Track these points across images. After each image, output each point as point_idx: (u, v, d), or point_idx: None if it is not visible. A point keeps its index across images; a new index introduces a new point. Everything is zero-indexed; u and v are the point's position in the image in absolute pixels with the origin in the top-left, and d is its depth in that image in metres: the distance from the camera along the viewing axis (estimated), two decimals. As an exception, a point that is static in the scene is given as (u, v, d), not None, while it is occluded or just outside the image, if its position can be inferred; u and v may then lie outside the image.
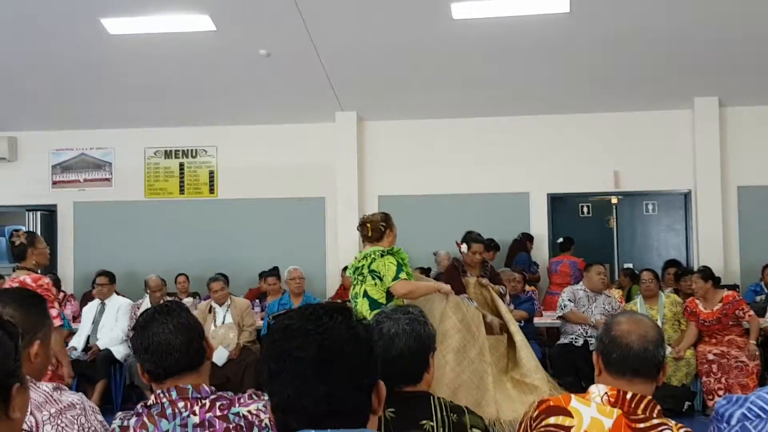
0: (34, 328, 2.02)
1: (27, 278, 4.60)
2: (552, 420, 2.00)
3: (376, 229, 4.94)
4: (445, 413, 2.12)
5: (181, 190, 10.00)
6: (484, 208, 9.27)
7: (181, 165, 10.01)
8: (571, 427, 1.97)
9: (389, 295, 4.78)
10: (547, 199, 9.53)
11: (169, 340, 2.05)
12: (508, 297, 6.82)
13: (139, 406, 2.05)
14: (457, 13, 7.01)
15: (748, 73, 8.24)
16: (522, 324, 7.27)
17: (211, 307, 7.18)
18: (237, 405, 2.04)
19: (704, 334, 6.71)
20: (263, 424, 2.01)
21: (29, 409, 1.72)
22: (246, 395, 2.08)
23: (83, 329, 7.33)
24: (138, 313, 5.96)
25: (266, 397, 1.74)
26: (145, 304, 7.42)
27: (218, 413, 2.01)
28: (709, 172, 8.94)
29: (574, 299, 6.92)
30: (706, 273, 6.77)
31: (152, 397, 2.06)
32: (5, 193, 10.12)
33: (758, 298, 7.93)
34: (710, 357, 6.52)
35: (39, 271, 4.82)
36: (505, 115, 9.34)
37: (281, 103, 9.11)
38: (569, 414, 1.99)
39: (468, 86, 8.56)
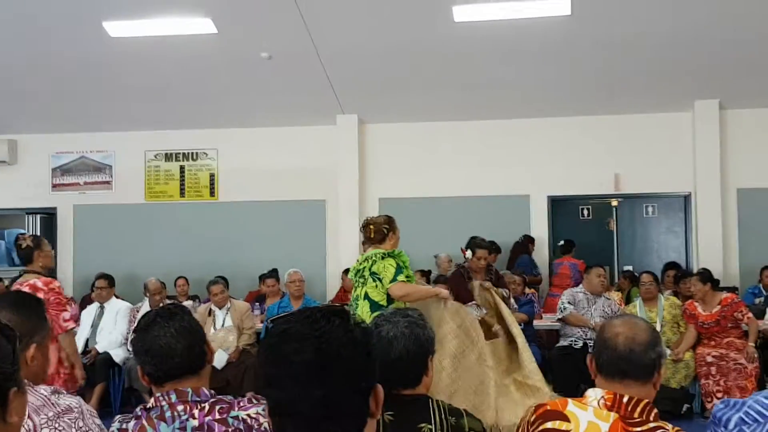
0: (30, 332, 2.02)
1: (38, 281, 4.62)
2: (549, 425, 1.99)
3: (378, 231, 4.95)
4: (443, 416, 2.12)
5: (182, 193, 10.01)
6: (484, 211, 9.27)
7: (182, 168, 10.01)
8: (569, 431, 1.97)
9: (390, 298, 4.79)
10: (548, 202, 9.53)
11: (170, 343, 2.05)
12: (512, 300, 6.84)
13: (138, 409, 2.06)
14: (459, 15, 7.02)
15: (748, 76, 8.25)
16: (522, 326, 7.28)
17: (210, 310, 7.18)
18: (236, 408, 2.03)
19: (703, 337, 6.70)
20: (262, 428, 2.01)
21: (27, 413, 1.72)
22: (245, 399, 2.07)
23: (82, 332, 7.30)
24: (137, 317, 5.96)
25: (265, 401, 1.74)
26: (145, 307, 7.42)
27: (217, 417, 2.01)
28: (709, 174, 8.94)
29: (573, 302, 6.92)
30: (705, 275, 6.76)
31: (152, 400, 2.06)
32: (5, 196, 10.12)
33: (757, 301, 7.93)
34: (709, 359, 6.51)
35: (46, 274, 4.85)
36: (506, 117, 9.34)
37: (282, 105, 9.12)
38: (566, 418, 1.99)
39: (469, 89, 8.57)
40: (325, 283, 9.50)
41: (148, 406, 2.05)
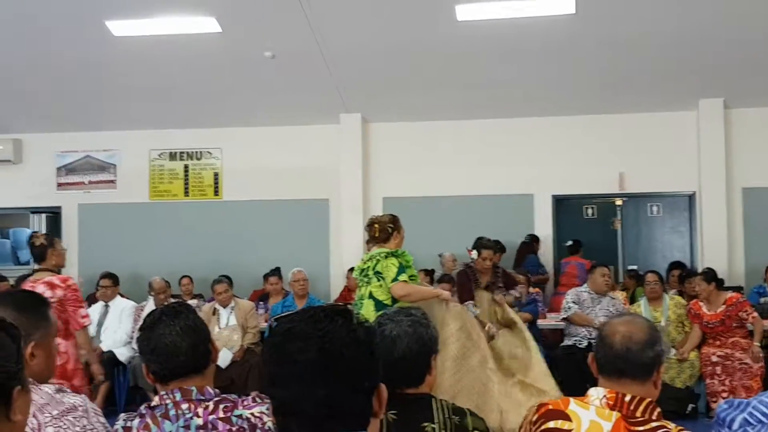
0: (28, 330, 2.02)
1: (54, 278, 4.69)
2: (551, 424, 1.99)
3: (383, 230, 4.96)
4: (446, 415, 2.12)
5: (186, 192, 10.02)
6: (488, 210, 9.26)
7: (186, 167, 10.03)
8: (570, 430, 1.96)
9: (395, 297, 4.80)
10: (552, 201, 9.51)
11: (175, 342, 2.05)
12: (523, 297, 6.87)
13: (142, 408, 2.06)
14: (462, 14, 7.01)
15: (753, 75, 8.22)
16: (526, 325, 7.29)
17: (215, 309, 7.18)
18: (240, 407, 2.04)
19: (708, 336, 6.69)
20: (266, 427, 2.01)
21: (31, 411, 1.73)
22: (250, 398, 2.08)
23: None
24: (142, 316, 5.97)
25: (269, 400, 1.74)
26: (149, 306, 7.43)
27: (221, 415, 2.01)
28: (714, 173, 8.92)
29: (578, 301, 6.91)
30: (710, 275, 6.75)
31: (156, 398, 2.06)
32: (10, 195, 10.14)
33: (762, 300, 7.90)
34: (714, 359, 6.50)
35: (58, 272, 4.91)
36: (510, 116, 9.33)
37: (286, 104, 9.12)
38: (568, 417, 1.98)
39: (473, 88, 8.56)
40: (328, 282, 9.50)
41: (152, 405, 2.05)
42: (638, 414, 1.94)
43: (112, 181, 10.12)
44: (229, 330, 7.05)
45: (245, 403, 2.05)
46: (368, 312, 4.69)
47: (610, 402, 1.96)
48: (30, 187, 10.04)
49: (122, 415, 2.07)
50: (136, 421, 2.02)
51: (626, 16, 7.08)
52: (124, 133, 9.94)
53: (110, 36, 7.42)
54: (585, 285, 7.14)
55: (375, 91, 8.83)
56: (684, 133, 9.13)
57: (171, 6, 7.03)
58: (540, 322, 7.52)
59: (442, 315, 4.81)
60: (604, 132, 9.29)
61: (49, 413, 1.88)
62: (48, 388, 1.94)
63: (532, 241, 9.17)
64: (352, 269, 7.27)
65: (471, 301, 5.59)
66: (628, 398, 1.96)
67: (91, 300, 8.27)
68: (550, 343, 7.60)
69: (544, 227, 9.43)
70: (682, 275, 7.89)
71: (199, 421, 2.00)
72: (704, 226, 9.01)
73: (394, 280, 4.73)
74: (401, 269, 4.77)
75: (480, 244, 6.05)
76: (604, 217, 10.26)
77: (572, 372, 6.43)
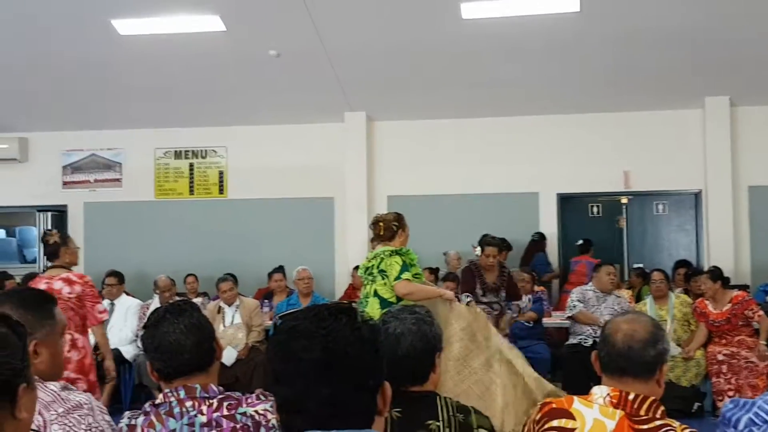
0: (32, 328, 2.02)
1: (71, 275, 4.77)
2: (555, 423, 1.98)
3: (388, 228, 4.96)
4: (451, 413, 2.12)
5: (191, 191, 10.03)
6: (493, 208, 9.25)
7: (191, 165, 10.04)
8: (574, 429, 1.95)
9: (400, 295, 4.80)
10: (557, 199, 9.50)
11: (179, 339, 2.05)
12: (526, 307, 6.82)
13: (147, 405, 2.07)
14: (467, 12, 7.00)
15: (759, 73, 8.19)
16: (531, 324, 7.29)
17: (220, 307, 7.19)
18: (244, 405, 2.04)
19: (714, 335, 6.67)
20: (270, 425, 2.01)
21: (37, 409, 1.73)
22: (254, 395, 2.08)
23: (93, 329, 7.36)
24: (147, 314, 5.98)
25: (274, 398, 1.75)
26: (154, 304, 7.44)
27: (225, 413, 2.01)
28: (720, 171, 8.89)
29: (583, 300, 6.89)
30: (715, 273, 6.73)
31: (160, 396, 2.07)
32: (16, 193, 10.17)
33: (768, 299, 7.88)
34: (720, 357, 6.48)
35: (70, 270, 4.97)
36: (515, 114, 9.32)
37: (291, 103, 9.12)
38: (571, 416, 1.97)
39: (478, 86, 8.55)
40: (333, 280, 9.51)
41: (156, 402, 2.06)
42: (642, 412, 1.93)
43: (117, 180, 10.14)
44: (233, 328, 7.06)
45: (249, 400, 2.06)
46: (373, 310, 4.68)
47: (613, 400, 1.96)
48: (36, 185, 10.07)
49: (127, 413, 2.07)
50: (141, 419, 2.02)
51: (631, 14, 7.06)
52: (129, 132, 9.96)
53: (116, 35, 7.43)
54: (590, 283, 7.13)
55: (380, 90, 8.82)
56: (690, 131, 9.10)
57: (176, 5, 7.04)
58: (545, 320, 7.52)
59: (445, 314, 4.79)
60: (610, 130, 9.27)
61: (55, 411, 1.89)
62: (54, 386, 1.94)
63: (541, 239, 9.16)
64: (356, 267, 7.29)
65: (467, 293, 5.50)
66: (631, 396, 1.95)
67: (97, 298, 8.29)
68: (555, 341, 7.60)
69: (549, 225, 9.41)
70: (688, 273, 7.87)
71: (204, 419, 2.00)
72: (710, 224, 8.99)
73: (397, 278, 4.73)
74: (404, 267, 4.77)
75: (484, 241, 6.04)
76: (610, 215, 10.24)
77: (577, 370, 6.42)
